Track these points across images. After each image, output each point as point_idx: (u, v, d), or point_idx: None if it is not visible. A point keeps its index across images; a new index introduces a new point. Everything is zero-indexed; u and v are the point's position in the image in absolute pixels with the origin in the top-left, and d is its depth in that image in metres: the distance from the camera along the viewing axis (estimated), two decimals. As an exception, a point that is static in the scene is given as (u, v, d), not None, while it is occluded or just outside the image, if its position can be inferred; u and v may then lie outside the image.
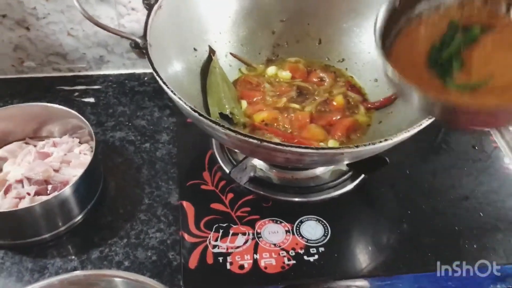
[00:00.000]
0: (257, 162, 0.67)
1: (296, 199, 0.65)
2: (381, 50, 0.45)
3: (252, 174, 0.65)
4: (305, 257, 0.59)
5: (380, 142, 0.50)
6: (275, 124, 0.68)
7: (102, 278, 0.50)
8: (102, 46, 0.86)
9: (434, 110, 0.43)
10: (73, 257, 0.61)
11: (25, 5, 0.78)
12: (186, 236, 0.60)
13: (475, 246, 0.61)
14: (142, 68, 0.90)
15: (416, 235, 0.63)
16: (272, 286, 0.57)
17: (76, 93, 0.85)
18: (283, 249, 0.60)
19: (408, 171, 0.71)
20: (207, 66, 0.70)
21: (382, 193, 0.68)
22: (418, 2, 0.47)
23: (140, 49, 0.55)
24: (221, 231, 0.61)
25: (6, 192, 0.64)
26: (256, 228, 0.62)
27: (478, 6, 0.45)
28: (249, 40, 0.75)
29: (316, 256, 0.59)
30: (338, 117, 0.69)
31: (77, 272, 0.57)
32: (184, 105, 0.51)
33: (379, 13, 0.45)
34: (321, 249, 0.60)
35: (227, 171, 0.67)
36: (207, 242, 0.60)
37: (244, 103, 0.70)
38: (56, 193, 0.63)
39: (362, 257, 0.61)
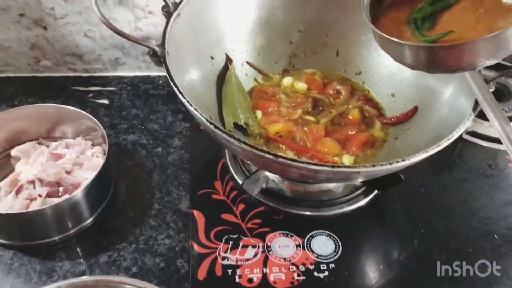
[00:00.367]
0: (270, 174, 0.66)
1: (308, 213, 0.65)
2: (369, 16, 0.55)
3: (264, 185, 0.64)
4: (315, 273, 0.58)
5: (398, 162, 0.50)
6: (290, 136, 0.67)
7: (110, 284, 0.50)
8: (118, 48, 0.86)
9: (404, 55, 0.51)
10: (81, 260, 0.61)
11: (43, 5, 0.78)
12: (195, 246, 0.60)
13: (488, 269, 0.60)
14: (156, 71, 0.90)
15: (428, 254, 0.62)
16: (281, 302, 0.57)
17: (91, 94, 0.85)
18: (293, 264, 0.59)
19: (422, 188, 0.70)
20: (223, 75, 0.69)
21: (394, 210, 0.68)
22: None
23: (158, 57, 0.55)
24: (231, 242, 0.61)
25: (17, 192, 0.64)
26: (266, 240, 0.61)
27: None
28: (266, 49, 0.75)
29: (326, 273, 0.58)
30: (354, 132, 0.68)
31: (85, 277, 0.57)
32: (200, 117, 0.50)
33: None
34: (332, 265, 0.59)
35: (239, 181, 0.66)
36: (217, 253, 0.60)
37: (259, 114, 0.70)
38: (67, 196, 0.63)
39: (373, 274, 0.60)
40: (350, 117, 0.70)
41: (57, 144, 0.72)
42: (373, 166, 0.49)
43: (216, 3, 0.67)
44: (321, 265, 0.59)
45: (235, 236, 0.61)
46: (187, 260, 0.60)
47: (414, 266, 0.61)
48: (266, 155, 0.48)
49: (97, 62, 0.87)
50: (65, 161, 0.68)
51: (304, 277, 0.58)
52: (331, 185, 0.68)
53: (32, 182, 0.65)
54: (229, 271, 0.58)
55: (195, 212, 0.64)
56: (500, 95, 0.82)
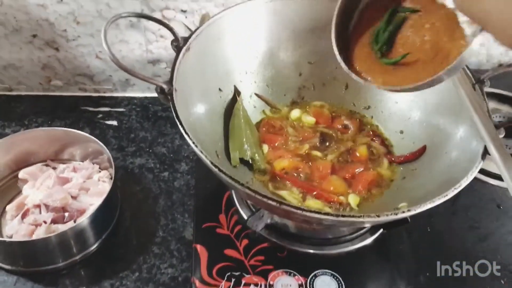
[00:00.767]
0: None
1: (312, 251, 0.64)
2: (337, 47, 0.55)
3: (268, 221, 0.64)
4: (317, 316, 0.58)
5: (403, 212, 0.49)
6: (296, 173, 0.67)
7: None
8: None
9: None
10: (84, 288, 0.61)
11: (56, 27, 0.79)
12: (197, 283, 0.60)
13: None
14: (166, 93, 0.90)
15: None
16: None
17: (100, 115, 0.85)
18: (294, 305, 0.59)
19: (429, 228, 0.69)
20: (231, 107, 0.69)
21: (400, 250, 0.66)
22: None
23: (165, 94, 0.54)
24: (233, 280, 0.60)
25: (23, 216, 0.65)
26: (269, 279, 0.61)
27: None
28: (275, 80, 0.74)
29: (328, 315, 0.58)
30: (361, 169, 0.67)
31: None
32: (205, 159, 0.50)
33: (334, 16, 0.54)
34: (334, 307, 0.59)
35: (244, 216, 0.66)
36: (219, 291, 0.60)
37: (265, 148, 0.69)
38: (72, 223, 0.64)
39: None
40: (358, 154, 0.69)
41: (64, 167, 0.72)
42: (378, 216, 0.48)
43: (226, 35, 0.67)
44: (323, 307, 0.59)
45: (238, 273, 0.61)
46: (189, 291, 0.60)
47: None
48: (270, 201, 0.48)
49: (107, 83, 0.88)
50: (71, 186, 0.68)
51: (305, 319, 0.58)
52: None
53: (38, 206, 0.66)
54: (230, 309, 0.58)
55: (199, 247, 0.63)
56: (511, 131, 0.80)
